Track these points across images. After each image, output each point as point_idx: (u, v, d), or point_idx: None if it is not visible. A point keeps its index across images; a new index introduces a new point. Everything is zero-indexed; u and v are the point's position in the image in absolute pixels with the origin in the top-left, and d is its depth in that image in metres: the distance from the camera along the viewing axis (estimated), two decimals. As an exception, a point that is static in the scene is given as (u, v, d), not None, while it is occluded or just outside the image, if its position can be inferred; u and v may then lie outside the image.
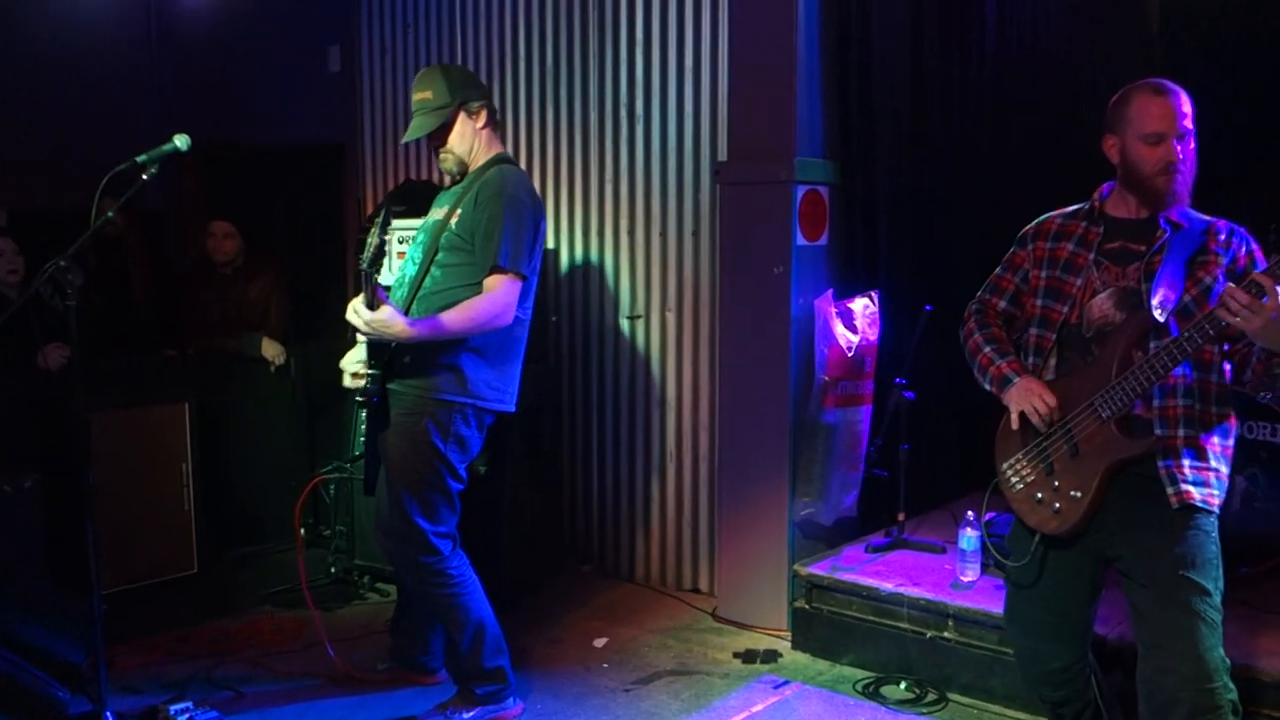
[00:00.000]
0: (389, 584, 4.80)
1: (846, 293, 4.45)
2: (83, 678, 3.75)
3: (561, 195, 5.29)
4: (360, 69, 6.09)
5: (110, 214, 3.37)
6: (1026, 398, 2.77)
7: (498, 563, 4.78)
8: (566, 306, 5.28)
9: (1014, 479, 2.85)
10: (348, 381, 3.56)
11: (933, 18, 4.86)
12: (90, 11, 6.69)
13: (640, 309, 5.04)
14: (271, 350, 5.39)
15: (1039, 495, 2.79)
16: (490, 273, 3.35)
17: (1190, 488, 2.62)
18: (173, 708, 3.53)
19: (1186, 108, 2.68)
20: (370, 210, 5.82)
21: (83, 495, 3.30)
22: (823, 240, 4.45)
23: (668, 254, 4.94)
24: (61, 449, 4.25)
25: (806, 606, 4.25)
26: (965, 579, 4.01)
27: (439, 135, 3.48)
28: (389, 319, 3.21)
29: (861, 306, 4.42)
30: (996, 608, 3.78)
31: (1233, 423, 2.72)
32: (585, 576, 5.21)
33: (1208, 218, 2.76)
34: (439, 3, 5.71)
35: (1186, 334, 2.55)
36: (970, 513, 4.11)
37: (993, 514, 4.37)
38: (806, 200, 4.33)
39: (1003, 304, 3.00)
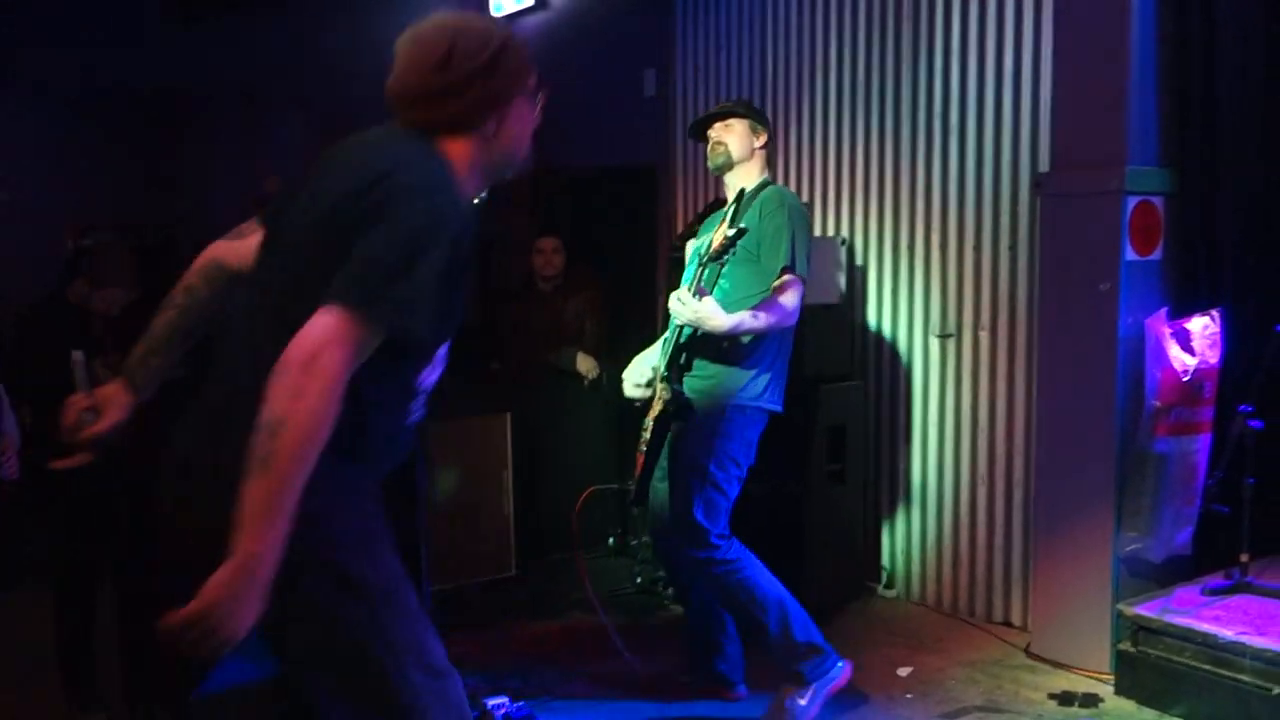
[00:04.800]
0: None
1: (1183, 311, 4.12)
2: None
3: (871, 209, 5.20)
4: (674, 92, 6.25)
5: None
6: None
7: (798, 581, 4.73)
8: (875, 323, 5.18)
9: None
10: (629, 391, 3.83)
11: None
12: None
13: (951, 327, 4.88)
14: (586, 365, 5.61)
15: None
16: (781, 274, 3.57)
17: None
18: (490, 700, 3.72)
19: None
20: (681, 230, 5.93)
21: (415, 496, 3.59)
22: (1156, 254, 4.15)
23: (982, 270, 4.75)
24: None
25: (1132, 650, 3.95)
26: (1322, 631, 3.61)
27: (726, 118, 3.80)
28: (712, 310, 3.43)
29: (1200, 326, 4.08)
30: (1361, 667, 3.38)
31: None
32: (887, 601, 5.09)
33: None
34: (750, 19, 5.79)
35: None
36: (1329, 558, 3.69)
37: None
38: (1138, 212, 4.05)
39: None
